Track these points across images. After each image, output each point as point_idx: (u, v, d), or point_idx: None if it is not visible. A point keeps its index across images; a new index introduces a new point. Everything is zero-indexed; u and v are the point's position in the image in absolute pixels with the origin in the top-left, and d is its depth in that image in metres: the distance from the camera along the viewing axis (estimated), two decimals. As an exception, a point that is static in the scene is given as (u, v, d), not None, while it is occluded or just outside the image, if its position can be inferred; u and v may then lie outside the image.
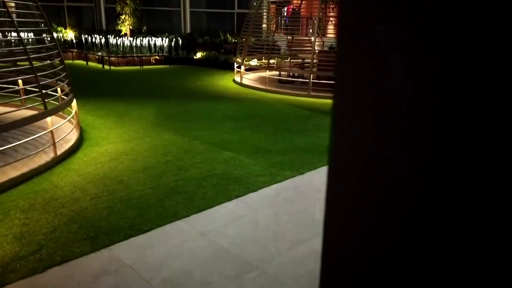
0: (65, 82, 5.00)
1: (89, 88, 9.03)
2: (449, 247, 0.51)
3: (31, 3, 4.85)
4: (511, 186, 0.46)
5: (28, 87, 4.45)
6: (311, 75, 8.87)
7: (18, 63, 5.57)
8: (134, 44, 13.82)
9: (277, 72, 10.59)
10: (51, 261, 2.55)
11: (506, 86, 0.44)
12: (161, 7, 16.99)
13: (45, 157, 4.28)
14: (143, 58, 13.56)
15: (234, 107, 7.48)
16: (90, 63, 13.81)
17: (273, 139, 5.43)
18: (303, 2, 11.93)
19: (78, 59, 14.44)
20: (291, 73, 10.56)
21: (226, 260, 2.62)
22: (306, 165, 4.42)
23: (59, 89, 5.09)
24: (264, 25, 11.91)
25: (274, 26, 12.69)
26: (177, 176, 4.03)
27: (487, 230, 0.48)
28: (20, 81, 5.51)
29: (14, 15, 4.28)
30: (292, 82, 10.01)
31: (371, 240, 0.58)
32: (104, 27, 16.52)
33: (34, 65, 4.22)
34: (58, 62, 5.04)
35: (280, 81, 10.19)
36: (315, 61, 9.15)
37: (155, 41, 14.02)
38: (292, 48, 11.49)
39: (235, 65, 10.94)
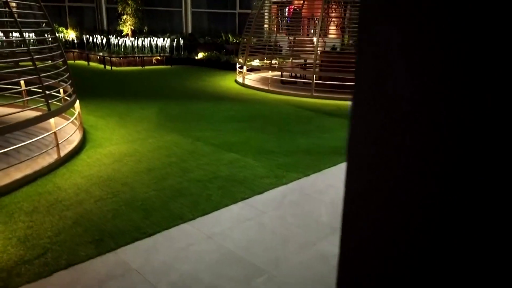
0: (68, 83, 4.97)
1: (91, 89, 9.00)
2: (459, 243, 0.50)
3: (34, 3, 4.81)
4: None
5: (31, 88, 4.41)
6: (314, 76, 8.84)
7: (20, 63, 5.54)
8: (135, 44, 13.79)
9: (279, 73, 10.56)
10: (57, 265, 2.52)
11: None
12: (163, 7, 16.96)
13: (48, 159, 4.25)
14: (145, 58, 13.52)
15: (236, 108, 7.44)
16: (91, 64, 13.78)
17: (277, 140, 5.40)
18: (305, 2, 11.90)
19: (79, 59, 14.41)
20: (293, 74, 10.52)
21: (233, 264, 2.59)
22: (311, 167, 4.39)
23: (61, 90, 5.07)
24: (265, 26, 11.88)
25: (276, 26, 12.66)
26: (182, 178, 3.99)
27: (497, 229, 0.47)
28: (22, 82, 5.48)
29: (16, 15, 4.24)
30: (295, 82, 9.98)
31: (389, 236, 0.57)
32: (105, 27, 16.49)
33: (38, 66, 4.19)
34: (61, 62, 5.00)
35: (282, 81, 10.16)
36: (317, 61, 9.11)
37: (156, 41, 13.99)
38: (294, 49, 11.46)
39: (237, 65, 10.91)
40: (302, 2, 11.97)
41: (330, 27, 12.00)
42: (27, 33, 9.24)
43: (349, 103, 0.58)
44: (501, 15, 0.43)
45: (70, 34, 15.60)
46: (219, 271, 2.51)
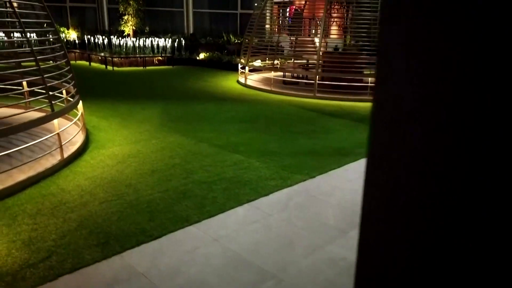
0: (71, 84, 4.94)
1: (93, 89, 8.97)
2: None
3: (37, 3, 4.78)
4: None
5: (35, 89, 4.38)
6: (317, 76, 8.81)
7: (23, 64, 5.51)
8: (137, 44, 13.76)
9: (280, 73, 10.52)
10: (62, 269, 2.49)
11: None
12: (164, 8, 16.93)
13: (52, 160, 4.22)
14: (146, 58, 13.50)
15: (239, 109, 7.41)
16: (93, 64, 13.76)
17: (280, 141, 5.37)
18: (306, 2, 11.87)
19: (80, 59, 14.39)
20: (295, 74, 10.49)
21: (241, 268, 2.55)
22: (316, 168, 4.35)
23: (64, 91, 5.03)
24: (267, 26, 11.84)
25: (277, 27, 12.63)
26: (186, 179, 3.96)
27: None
28: (24, 83, 5.44)
29: (19, 15, 4.21)
30: (297, 83, 9.94)
31: (409, 234, 0.57)
32: (106, 27, 16.46)
33: (41, 66, 4.16)
34: (64, 63, 4.97)
35: (284, 82, 10.12)
36: (320, 62, 9.08)
37: (158, 41, 13.97)
38: (296, 49, 11.42)
39: (239, 66, 10.88)
40: (304, 2, 11.93)
41: (332, 28, 11.97)
42: (30, 34, 9.23)
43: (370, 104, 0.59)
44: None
45: (72, 35, 15.58)
46: (227, 275, 2.48)
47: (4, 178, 3.70)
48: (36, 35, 7.54)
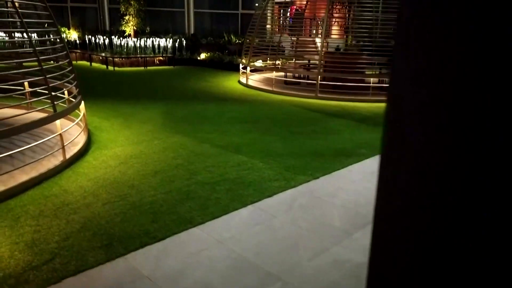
0: (73, 84, 4.92)
1: (94, 89, 8.94)
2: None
3: (39, 3, 4.76)
4: None
5: (38, 89, 4.35)
6: (319, 77, 8.78)
7: (25, 64, 5.49)
8: (138, 45, 13.74)
9: (281, 73, 10.50)
10: (66, 271, 2.46)
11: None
12: (165, 8, 16.91)
13: (54, 161, 4.20)
14: (147, 59, 13.48)
15: (241, 109, 7.39)
16: (93, 64, 13.74)
17: (283, 142, 5.34)
18: (308, 3, 11.84)
19: (81, 60, 14.37)
20: (296, 74, 10.46)
21: (246, 270, 2.53)
22: (320, 169, 4.33)
23: (66, 91, 5.01)
24: (268, 26, 11.82)
25: (278, 27, 12.61)
26: (189, 180, 3.94)
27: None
28: (26, 83, 5.42)
29: (22, 15, 4.18)
30: (298, 83, 9.92)
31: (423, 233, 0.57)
32: (107, 27, 16.45)
33: (44, 67, 4.13)
34: (66, 63, 4.95)
35: (286, 82, 10.10)
36: (321, 62, 9.05)
37: (159, 41, 13.95)
38: (298, 49, 11.40)
39: (241, 66, 10.86)
40: (305, 2, 11.91)
41: (333, 28, 11.95)
42: (32, 34, 9.21)
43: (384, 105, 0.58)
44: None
45: (72, 35, 15.56)
46: (232, 277, 2.45)
47: (6, 179, 3.68)
48: (39, 35, 7.52)
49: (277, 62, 11.09)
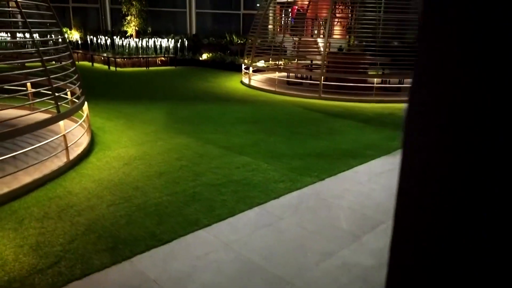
0: (77, 85, 4.88)
1: (96, 90, 8.91)
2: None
3: (42, 4, 4.73)
4: None
5: (41, 90, 4.32)
6: (322, 77, 8.74)
7: (27, 64, 5.46)
8: (139, 45, 13.71)
9: (284, 74, 10.46)
10: (71, 275, 2.43)
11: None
12: (167, 8, 16.89)
13: (57, 162, 4.16)
14: (149, 59, 13.45)
15: (244, 109, 7.35)
16: (95, 65, 13.71)
17: (287, 143, 5.31)
18: (310, 3, 11.80)
19: (83, 60, 14.34)
20: (298, 75, 10.42)
21: (254, 273, 2.49)
22: (325, 171, 4.29)
23: (69, 92, 4.98)
24: (270, 26, 11.79)
25: (279, 27, 12.57)
26: (194, 182, 3.90)
27: None
28: (28, 84, 5.39)
29: (19, 16, 4.15)
30: (301, 83, 9.88)
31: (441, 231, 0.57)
32: (109, 28, 16.43)
33: (47, 67, 4.10)
34: (69, 64, 4.92)
35: (288, 82, 10.06)
36: (324, 62, 9.01)
37: (160, 42, 13.92)
38: (300, 50, 11.36)
39: (243, 66, 10.82)
40: (308, 2, 11.86)
41: (336, 28, 11.91)
42: (36, 34, 9.20)
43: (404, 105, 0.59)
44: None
45: (74, 35, 15.54)
46: (240, 281, 2.42)
47: (10, 181, 3.65)
48: (42, 35, 7.49)
49: (279, 62, 11.05)
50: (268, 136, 5.62)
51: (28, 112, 4.64)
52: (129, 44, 13.77)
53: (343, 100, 8.38)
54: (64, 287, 2.33)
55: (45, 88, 4.21)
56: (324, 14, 11.38)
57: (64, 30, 15.17)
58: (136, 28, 15.39)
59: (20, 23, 4.85)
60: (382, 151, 5.03)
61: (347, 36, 11.96)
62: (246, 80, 10.28)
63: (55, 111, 4.22)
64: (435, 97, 0.54)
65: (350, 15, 11.03)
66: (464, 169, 0.52)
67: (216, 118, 6.64)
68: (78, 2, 16.29)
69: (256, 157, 4.66)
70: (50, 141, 4.38)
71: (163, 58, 13.75)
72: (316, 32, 13.07)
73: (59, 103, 4.20)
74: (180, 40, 14.40)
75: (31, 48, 4.57)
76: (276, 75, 9.99)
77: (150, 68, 13.28)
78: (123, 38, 14.08)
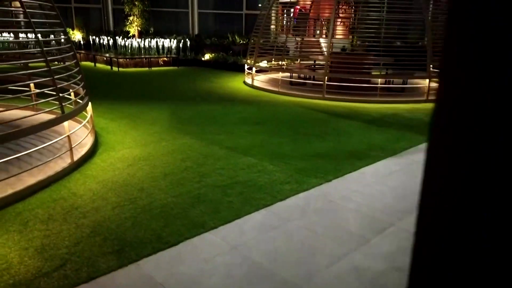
0: (81, 85, 4.85)
1: (99, 90, 8.89)
2: None
3: (47, 3, 4.70)
4: None
5: (45, 90, 4.29)
6: (326, 77, 8.70)
7: (31, 65, 5.43)
8: (142, 45, 13.69)
9: (287, 74, 10.42)
10: (77, 278, 2.39)
11: None
12: (169, 8, 16.86)
13: (61, 163, 4.13)
14: (151, 59, 13.43)
15: (248, 110, 7.31)
16: (98, 65, 13.70)
17: (292, 144, 5.26)
18: (313, 3, 11.76)
19: (85, 60, 14.33)
20: (301, 75, 10.38)
21: (263, 278, 2.45)
22: (331, 172, 4.25)
23: (72, 92, 4.95)
24: (272, 26, 11.75)
25: (281, 27, 12.53)
26: (199, 183, 3.86)
27: None
28: (32, 85, 5.36)
29: (22, 16, 4.12)
30: (304, 84, 9.84)
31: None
32: (111, 28, 16.41)
33: (52, 68, 4.07)
34: (73, 64, 4.89)
35: (291, 83, 10.02)
36: (328, 62, 8.97)
37: (163, 42, 13.89)
38: (303, 50, 11.32)
39: (246, 66, 10.79)
40: (310, 3, 11.82)
41: (338, 28, 11.86)
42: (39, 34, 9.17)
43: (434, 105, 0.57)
44: None
45: (76, 35, 15.53)
46: (250, 286, 2.37)
47: (14, 182, 3.62)
48: (46, 36, 7.47)
49: (282, 62, 11.01)
50: (272, 136, 5.58)
51: (32, 112, 4.61)
52: (131, 44, 13.75)
53: (346, 100, 8.34)
54: (70, 291, 2.29)
55: (49, 88, 4.18)
56: (327, 14, 11.34)
57: (67, 30, 15.20)
58: (139, 28, 15.37)
59: (23, 23, 4.82)
60: (387, 152, 4.98)
61: (350, 36, 11.91)
62: (249, 81, 10.25)
63: (59, 111, 4.19)
64: (463, 96, 0.54)
65: (353, 15, 10.98)
66: (497, 168, 0.51)
67: (219, 118, 6.61)
68: (81, 2, 16.27)
69: (261, 158, 4.62)
70: (54, 142, 4.34)
71: (165, 59, 13.73)
72: (318, 32, 13.03)
73: (63, 104, 4.16)
74: (182, 41, 14.37)
75: (34, 48, 4.53)
76: (279, 75, 9.95)
77: (153, 68, 13.26)
78: (125, 39, 14.06)
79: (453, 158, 0.55)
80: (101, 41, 14.15)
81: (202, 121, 6.36)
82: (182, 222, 3.10)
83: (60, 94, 4.12)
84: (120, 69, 12.82)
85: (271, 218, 3.21)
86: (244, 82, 10.47)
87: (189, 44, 14.42)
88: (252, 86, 9.92)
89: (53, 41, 6.31)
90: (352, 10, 10.91)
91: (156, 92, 9.14)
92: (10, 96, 4.20)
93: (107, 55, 13.47)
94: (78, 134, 4.84)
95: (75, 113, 4.45)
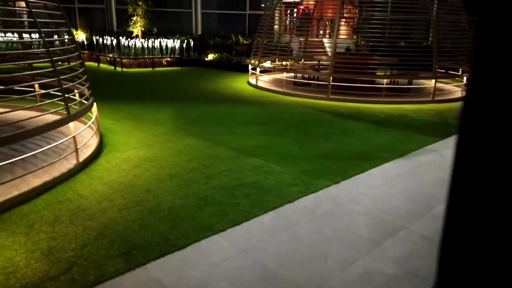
0: (85, 86, 4.82)
1: (103, 91, 8.86)
2: None
3: (52, 3, 4.67)
4: None
5: (51, 91, 4.26)
6: (331, 78, 8.64)
7: (35, 65, 5.40)
8: (145, 45, 13.67)
9: (291, 74, 10.37)
10: (85, 282, 2.35)
11: None
12: (173, 9, 16.84)
13: (67, 164, 4.09)
14: (155, 60, 13.40)
15: (253, 110, 7.27)
16: (101, 65, 13.69)
17: (298, 145, 5.22)
18: (317, 3, 11.70)
19: (89, 60, 14.31)
20: (305, 75, 10.33)
21: (274, 283, 2.40)
22: (339, 173, 4.19)
23: (77, 93, 4.92)
24: (276, 27, 11.69)
25: (285, 27, 12.47)
26: (206, 185, 3.82)
27: None
28: (36, 85, 5.33)
29: (26, 16, 4.09)
30: (308, 84, 9.79)
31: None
32: (115, 28, 16.40)
33: (57, 68, 4.03)
34: (78, 64, 4.86)
35: (295, 83, 9.97)
36: (332, 63, 8.91)
37: (166, 42, 13.87)
38: (307, 50, 11.26)
39: (250, 67, 10.74)
40: (314, 3, 11.77)
41: (342, 28, 11.79)
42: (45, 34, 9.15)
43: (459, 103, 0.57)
44: None
45: (80, 36, 15.53)
46: (260, 290, 2.33)
47: (19, 183, 3.59)
48: (52, 36, 7.43)
49: (286, 63, 10.96)
50: (278, 137, 5.54)
51: (37, 113, 4.58)
52: (135, 44, 13.73)
53: (351, 101, 8.28)
54: (78, 295, 2.25)
55: (54, 89, 4.14)
56: (330, 14, 11.28)
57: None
58: (142, 29, 15.35)
59: (26, 23, 4.79)
60: (395, 153, 4.93)
61: (355, 36, 11.85)
62: (253, 81, 10.20)
63: (65, 112, 4.15)
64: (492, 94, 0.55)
65: (358, 15, 10.92)
66: None
67: (224, 119, 6.56)
68: (84, 2, 16.27)
69: (267, 159, 4.58)
70: (60, 143, 4.31)
71: (169, 59, 13.70)
72: (321, 32, 12.97)
73: (68, 105, 4.13)
74: (186, 41, 14.34)
75: (39, 48, 4.50)
76: (284, 75, 9.90)
77: (156, 68, 13.23)
78: (129, 39, 14.04)
79: (484, 155, 0.56)
80: (105, 41, 14.14)
81: (207, 122, 6.32)
82: (189, 224, 3.06)
83: (66, 95, 4.09)
84: (124, 69, 12.81)
85: (279, 221, 3.16)
86: (248, 83, 10.43)
87: (193, 45, 14.39)
88: (256, 86, 9.87)
89: (57, 41, 6.28)
90: (357, 10, 10.85)
91: (159, 92, 9.11)
92: (16, 96, 4.16)
93: (111, 55, 13.46)
94: (83, 135, 4.81)
95: (80, 114, 4.41)
